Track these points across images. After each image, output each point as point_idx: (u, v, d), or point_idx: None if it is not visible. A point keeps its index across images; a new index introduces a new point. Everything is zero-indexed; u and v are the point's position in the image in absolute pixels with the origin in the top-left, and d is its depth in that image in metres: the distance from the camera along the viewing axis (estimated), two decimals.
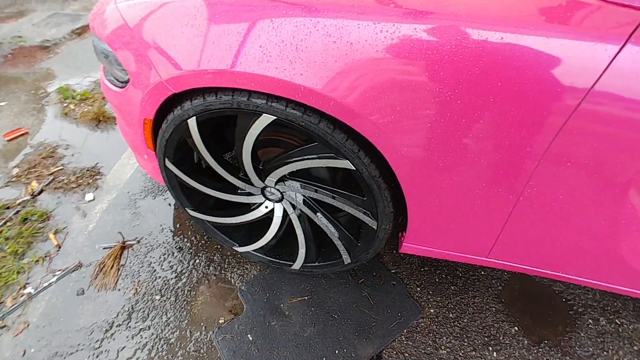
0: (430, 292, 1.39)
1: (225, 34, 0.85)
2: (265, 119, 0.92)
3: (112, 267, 1.46)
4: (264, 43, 0.81)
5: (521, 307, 1.35)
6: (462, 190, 0.90)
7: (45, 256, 1.53)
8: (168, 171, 1.20)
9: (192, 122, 1.00)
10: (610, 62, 0.67)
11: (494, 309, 1.35)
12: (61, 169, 1.94)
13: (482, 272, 1.45)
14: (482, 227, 0.98)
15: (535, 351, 1.24)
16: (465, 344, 1.26)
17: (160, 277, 1.44)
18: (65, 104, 2.43)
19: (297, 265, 1.35)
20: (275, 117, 0.91)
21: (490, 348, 1.25)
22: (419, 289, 1.40)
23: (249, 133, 0.98)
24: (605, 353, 1.25)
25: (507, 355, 1.23)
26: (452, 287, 1.40)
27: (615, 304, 1.38)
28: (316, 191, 1.12)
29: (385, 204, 1.01)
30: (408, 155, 0.85)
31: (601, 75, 0.68)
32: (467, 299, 1.37)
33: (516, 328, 1.30)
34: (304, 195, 1.17)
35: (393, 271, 1.45)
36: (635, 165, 0.75)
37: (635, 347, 1.27)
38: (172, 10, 0.92)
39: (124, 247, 1.53)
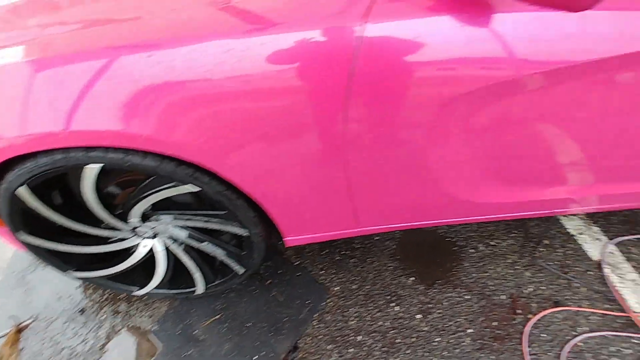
0: (334, 271, 1.48)
1: (17, 101, 0.83)
2: (93, 169, 0.92)
3: (10, 355, 1.37)
4: (52, 100, 0.81)
5: (414, 258, 1.49)
6: (298, 179, 0.97)
7: None
8: (28, 244, 1.14)
9: (24, 191, 0.97)
10: (358, 42, 0.75)
11: (391, 267, 1.47)
12: None
13: (376, 237, 1.57)
14: (334, 203, 1.06)
15: (430, 293, 1.38)
16: (371, 307, 1.36)
17: (65, 347, 1.38)
18: None
19: (200, 289, 1.37)
20: (102, 164, 0.91)
21: (393, 304, 1.37)
22: (322, 272, 1.48)
23: (84, 185, 0.97)
24: (486, 274, 1.42)
25: (408, 306, 1.36)
26: (351, 260, 1.50)
27: (489, 228, 1.56)
28: (189, 219, 1.14)
29: (243, 212, 1.05)
30: (234, 163, 0.90)
31: (356, 53, 0.76)
32: (366, 266, 1.48)
33: (413, 278, 1.43)
34: (178, 226, 1.18)
35: (297, 263, 1.52)
36: (417, 115, 0.86)
37: (509, 260, 1.46)
38: None
39: (20, 330, 1.44)
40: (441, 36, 0.75)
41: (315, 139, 0.86)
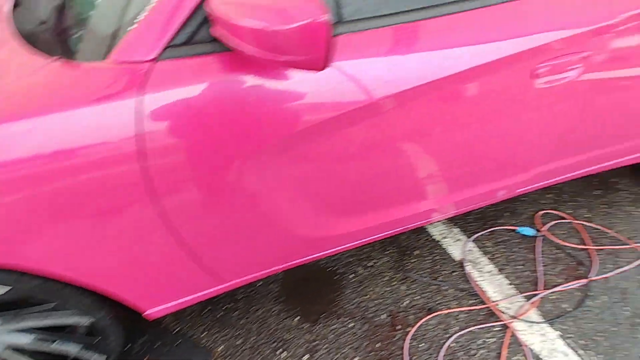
0: (217, 330, 1.40)
1: None
2: None
3: None
4: None
5: (298, 296, 1.48)
6: (124, 254, 0.90)
7: None
8: None
9: None
10: (138, 112, 0.74)
11: (275, 311, 1.44)
12: None
13: (259, 283, 1.54)
14: (179, 268, 1.01)
15: (315, 329, 1.38)
16: None
17: None
18: None
19: None
20: None
21: (279, 350, 1.33)
22: (204, 333, 1.39)
23: None
24: (367, 296, 1.47)
25: (294, 348, 1.33)
26: (234, 314, 1.44)
27: (366, 249, 1.63)
28: (21, 320, 0.99)
29: (76, 299, 0.95)
30: (38, 254, 0.80)
31: (138, 124, 0.74)
32: (250, 316, 1.43)
33: (297, 317, 1.42)
34: (13, 330, 1.02)
35: (176, 330, 1.41)
36: (224, 171, 0.86)
37: (386, 278, 1.52)
38: None
39: None
40: (229, 95, 0.77)
41: (120, 214, 0.81)
